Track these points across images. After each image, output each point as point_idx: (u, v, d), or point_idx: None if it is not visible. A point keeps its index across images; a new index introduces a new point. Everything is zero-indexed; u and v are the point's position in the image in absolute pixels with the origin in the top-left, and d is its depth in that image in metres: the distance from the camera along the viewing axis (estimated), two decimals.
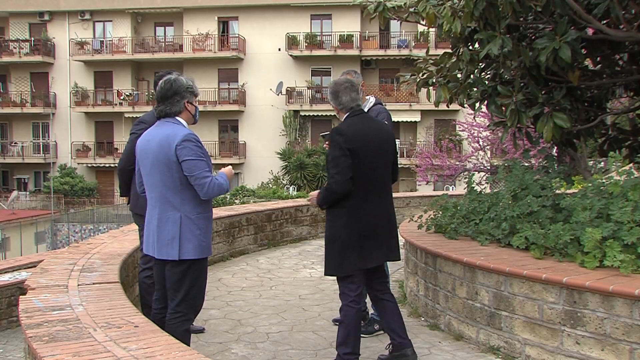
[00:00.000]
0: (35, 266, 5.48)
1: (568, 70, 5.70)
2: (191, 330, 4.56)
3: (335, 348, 4.66)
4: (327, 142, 5.23)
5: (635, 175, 5.42)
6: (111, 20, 41.04)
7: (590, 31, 6.04)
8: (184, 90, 4.21)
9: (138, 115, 38.21)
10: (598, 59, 6.68)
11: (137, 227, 5.55)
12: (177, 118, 4.19)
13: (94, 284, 4.61)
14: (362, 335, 5.51)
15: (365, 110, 5.54)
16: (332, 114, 37.11)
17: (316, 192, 4.71)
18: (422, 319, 6.03)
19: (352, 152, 4.43)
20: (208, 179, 4.05)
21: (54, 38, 41.23)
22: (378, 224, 4.62)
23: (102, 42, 40.82)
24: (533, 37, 6.32)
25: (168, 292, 4.20)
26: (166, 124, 4.15)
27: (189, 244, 4.08)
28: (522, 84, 6.06)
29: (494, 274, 5.04)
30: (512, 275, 4.86)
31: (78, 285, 4.54)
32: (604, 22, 5.80)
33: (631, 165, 6.52)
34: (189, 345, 4.11)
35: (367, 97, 5.68)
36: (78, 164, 41.08)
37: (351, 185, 4.42)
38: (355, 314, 4.58)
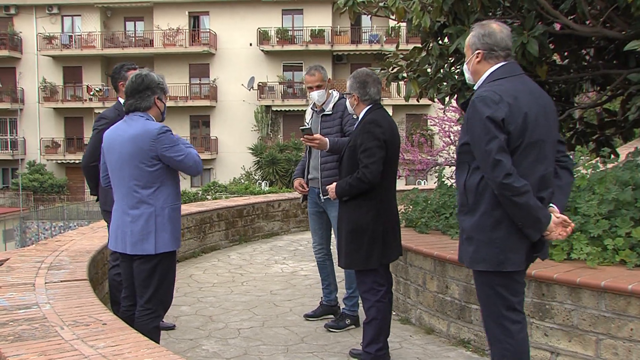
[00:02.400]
0: (1, 264, 5.39)
1: (536, 64, 5.74)
2: (161, 327, 4.52)
3: (363, 348, 4.60)
4: (304, 137, 5.22)
5: (601, 169, 5.49)
6: (80, 15, 40.51)
7: (557, 26, 6.10)
8: (155, 86, 4.17)
9: None
10: (565, 53, 6.74)
11: (106, 223, 5.49)
12: (147, 114, 4.15)
13: (61, 281, 4.54)
14: (333, 330, 5.53)
15: (331, 105, 5.54)
16: (304, 109, 37.16)
17: (333, 184, 4.64)
18: (394, 313, 6.04)
19: (386, 145, 4.45)
20: (191, 160, 4.10)
21: (20, 32, 40.56)
22: (397, 219, 4.71)
23: (70, 36, 40.28)
24: None
25: (137, 289, 4.16)
26: (137, 119, 4.10)
27: (163, 237, 4.06)
28: None
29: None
30: None
31: (45, 283, 4.48)
32: (571, 17, 5.86)
33: (597, 159, 6.61)
34: (158, 342, 4.07)
35: (331, 92, 5.68)
36: (47, 160, 40.54)
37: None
38: (387, 308, 4.58)
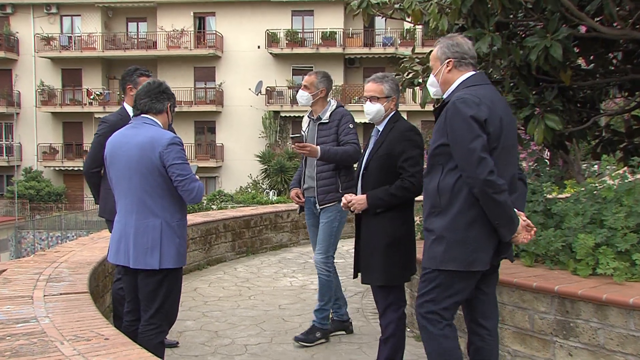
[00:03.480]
0: None
1: (560, 69, 5.75)
2: (165, 344, 4.54)
3: None
4: (295, 144, 5.29)
5: (629, 180, 5.47)
6: (80, 15, 40.76)
7: (583, 29, 6.10)
8: (170, 94, 4.31)
9: None
10: (591, 57, 6.74)
11: (109, 234, 5.52)
12: (156, 120, 4.19)
13: (61, 294, 4.57)
14: (304, 343, 5.59)
15: (328, 114, 5.60)
16: None
17: (361, 195, 4.56)
18: (408, 329, 6.04)
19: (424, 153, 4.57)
20: (197, 183, 4.10)
21: (17, 33, 40.81)
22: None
23: (70, 37, 40.53)
24: (523, 35, 6.37)
25: (142, 303, 4.18)
26: (147, 126, 4.14)
27: (169, 252, 4.09)
28: (512, 84, 6.11)
29: None
30: (501, 283, 4.88)
31: (44, 296, 4.50)
32: (597, 19, 5.86)
33: (625, 168, 6.59)
34: (162, 358, 4.09)
35: (329, 100, 5.74)
36: (44, 167, 40.73)
37: None
38: (404, 325, 4.64)
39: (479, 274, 3.71)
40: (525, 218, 3.67)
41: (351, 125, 5.54)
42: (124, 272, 4.26)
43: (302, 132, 5.71)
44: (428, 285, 3.77)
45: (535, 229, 3.73)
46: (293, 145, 5.38)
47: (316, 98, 5.64)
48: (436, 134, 3.73)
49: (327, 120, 5.61)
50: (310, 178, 5.68)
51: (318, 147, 5.36)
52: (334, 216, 5.55)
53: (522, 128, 6.53)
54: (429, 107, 7.39)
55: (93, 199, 5.68)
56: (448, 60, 3.78)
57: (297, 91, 5.82)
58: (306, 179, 5.76)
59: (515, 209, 3.63)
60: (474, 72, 3.78)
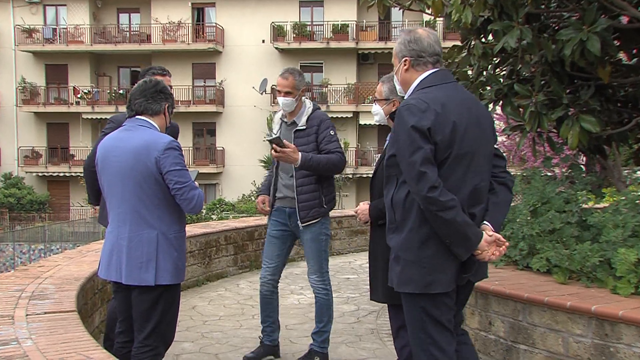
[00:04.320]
0: None
1: (598, 65, 5.73)
2: None
3: None
4: (273, 148, 5.23)
5: None
6: (65, 5, 40.79)
7: (624, 19, 6.08)
8: (168, 94, 4.35)
9: (97, 117, 38.35)
10: (634, 51, 6.71)
11: (98, 246, 5.53)
12: (152, 122, 4.21)
13: (45, 313, 4.58)
14: None
15: (305, 118, 5.51)
16: None
17: (364, 206, 4.59)
18: None
19: None
20: (197, 192, 4.12)
21: None
22: None
23: (54, 29, 40.63)
24: (556, 28, 6.36)
25: (135, 322, 4.19)
26: (142, 128, 4.15)
27: (166, 267, 4.10)
28: (543, 82, 6.09)
29: (511, 301, 5.06)
30: (531, 302, 4.88)
31: (26, 315, 4.51)
32: None
33: None
34: None
35: (304, 101, 5.64)
36: (26, 172, 40.81)
37: None
38: None
39: (453, 293, 3.63)
40: (491, 232, 3.55)
41: (332, 132, 5.45)
42: (116, 288, 4.27)
43: (272, 134, 5.55)
44: (404, 308, 3.75)
45: (507, 243, 3.62)
46: (271, 150, 5.26)
47: (298, 101, 5.55)
48: (390, 143, 3.76)
49: (304, 127, 5.50)
50: (287, 187, 5.58)
51: (300, 153, 5.24)
52: (318, 230, 5.54)
53: (555, 130, 6.52)
54: None
55: (82, 206, 5.69)
56: (404, 58, 3.73)
57: (307, 90, 5.72)
58: (280, 188, 5.65)
59: (486, 222, 3.58)
60: (433, 71, 3.70)
